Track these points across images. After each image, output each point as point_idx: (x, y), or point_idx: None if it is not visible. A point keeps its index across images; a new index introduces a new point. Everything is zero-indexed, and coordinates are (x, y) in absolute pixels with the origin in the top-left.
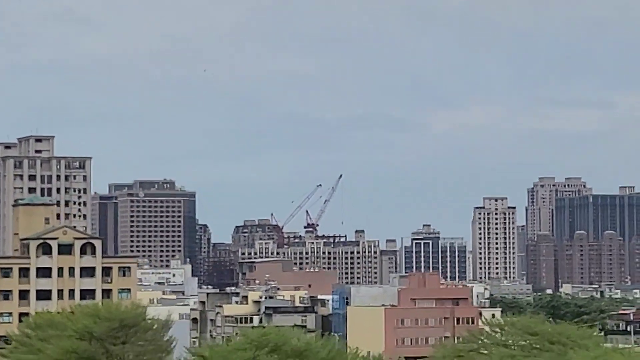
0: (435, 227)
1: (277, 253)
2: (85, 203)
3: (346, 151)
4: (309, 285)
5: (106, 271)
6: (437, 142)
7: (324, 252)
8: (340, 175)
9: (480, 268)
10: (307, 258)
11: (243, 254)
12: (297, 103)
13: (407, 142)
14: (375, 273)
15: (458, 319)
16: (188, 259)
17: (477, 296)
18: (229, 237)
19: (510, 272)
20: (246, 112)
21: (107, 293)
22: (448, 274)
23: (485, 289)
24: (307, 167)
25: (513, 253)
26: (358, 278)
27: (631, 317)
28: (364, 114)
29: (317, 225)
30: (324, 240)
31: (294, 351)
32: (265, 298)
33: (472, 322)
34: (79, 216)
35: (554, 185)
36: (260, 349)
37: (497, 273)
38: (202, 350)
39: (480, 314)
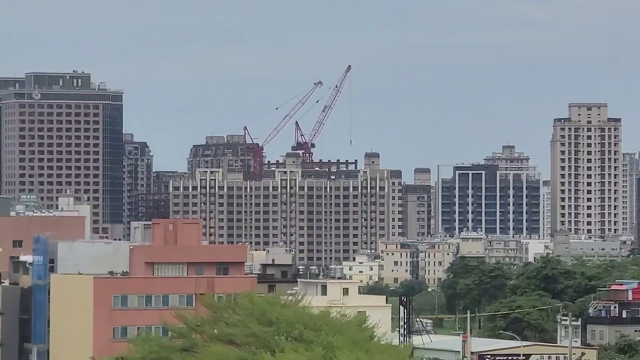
0: (496, 151)
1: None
2: None
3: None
4: None
5: None
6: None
7: (305, 187)
8: (349, 67)
9: (563, 215)
10: (274, 197)
11: (194, 187)
12: None
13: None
14: (395, 221)
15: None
16: (107, 195)
17: (534, 258)
18: (182, 163)
19: (612, 221)
20: None
21: None
22: (511, 223)
23: (546, 247)
24: (302, 56)
25: (616, 191)
26: (355, 234)
27: (629, 296)
28: None
29: (313, 145)
30: (316, 168)
31: None
32: None
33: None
34: None
35: None
36: None
37: (589, 223)
38: None
39: (274, 287)
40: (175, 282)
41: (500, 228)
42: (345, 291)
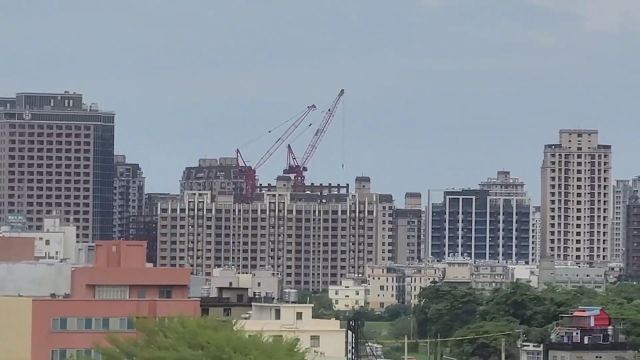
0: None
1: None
2: None
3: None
4: None
5: None
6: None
7: (293, 211)
8: (342, 92)
9: (552, 241)
10: (262, 220)
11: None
12: None
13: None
14: (385, 245)
15: None
16: (97, 216)
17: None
18: (175, 185)
19: (601, 247)
20: None
21: None
22: (500, 248)
23: (532, 272)
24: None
25: (605, 218)
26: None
27: (591, 322)
28: None
29: (305, 168)
30: (307, 192)
31: None
32: None
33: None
34: None
35: None
36: None
37: (578, 249)
38: None
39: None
40: (116, 305)
41: (490, 253)
42: (299, 315)
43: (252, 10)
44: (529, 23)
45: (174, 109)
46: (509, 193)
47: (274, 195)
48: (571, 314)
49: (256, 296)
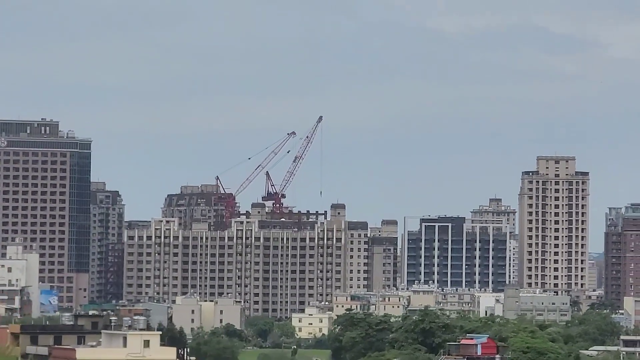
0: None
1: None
2: None
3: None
4: None
5: None
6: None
7: (261, 238)
8: (320, 118)
9: (530, 268)
10: (230, 247)
11: (149, 237)
12: None
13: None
14: (360, 273)
15: None
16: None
17: (486, 311)
18: (157, 213)
19: (579, 275)
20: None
21: None
22: (477, 276)
23: (497, 300)
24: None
25: (583, 245)
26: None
27: (478, 351)
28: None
29: (283, 195)
30: (282, 219)
31: None
32: None
33: None
34: None
35: None
36: None
37: (555, 277)
38: None
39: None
40: None
41: (466, 281)
42: (146, 343)
43: (232, 38)
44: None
45: (153, 136)
46: (500, 220)
47: (241, 223)
48: (459, 341)
49: (112, 323)
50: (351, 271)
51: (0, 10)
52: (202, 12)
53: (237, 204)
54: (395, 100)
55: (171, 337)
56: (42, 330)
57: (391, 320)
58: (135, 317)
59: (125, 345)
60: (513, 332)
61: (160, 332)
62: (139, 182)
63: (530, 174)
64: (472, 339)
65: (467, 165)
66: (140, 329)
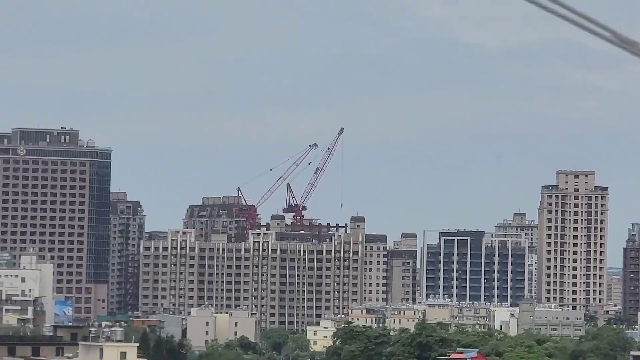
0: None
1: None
2: None
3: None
4: None
5: None
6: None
7: (277, 250)
8: (341, 130)
9: (548, 282)
10: (246, 259)
11: (165, 248)
12: None
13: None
14: (379, 286)
15: None
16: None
17: (501, 326)
18: (179, 224)
19: (597, 290)
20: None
21: None
22: (495, 290)
23: (512, 315)
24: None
25: (602, 260)
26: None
27: None
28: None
29: (304, 207)
30: (301, 231)
31: None
32: None
33: None
34: None
35: None
36: None
37: (574, 292)
38: None
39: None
40: None
41: (485, 295)
42: (123, 354)
43: (256, 50)
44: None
45: (174, 147)
46: (519, 235)
47: (258, 235)
48: (448, 356)
49: (90, 335)
50: (370, 284)
51: (19, 20)
52: (227, 23)
53: (259, 216)
54: (420, 113)
55: (170, 349)
56: (19, 341)
57: (391, 334)
58: (113, 329)
59: (101, 356)
60: (510, 347)
61: (137, 345)
62: (159, 193)
63: (550, 188)
64: (461, 353)
65: (488, 179)
66: (117, 341)
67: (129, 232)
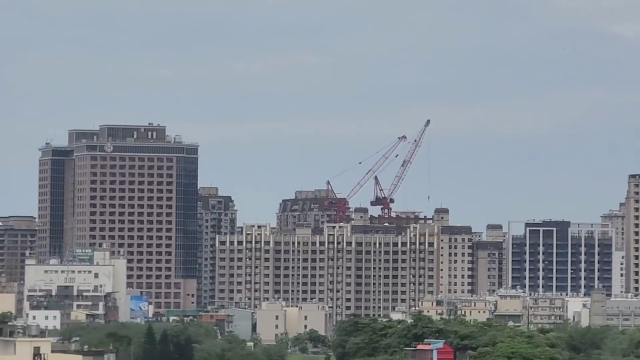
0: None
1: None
2: None
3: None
4: None
5: None
6: None
7: (352, 243)
8: (428, 122)
9: (637, 272)
10: (321, 252)
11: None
12: None
13: None
14: (465, 278)
15: None
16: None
17: (574, 317)
18: (272, 218)
19: None
20: None
21: None
22: (582, 280)
23: (584, 305)
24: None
25: None
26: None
27: (434, 356)
28: None
29: (391, 200)
30: (385, 224)
31: None
32: None
33: None
34: None
35: None
36: None
37: None
38: None
39: None
40: None
41: (571, 286)
42: (37, 350)
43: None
44: None
45: (261, 141)
46: (606, 224)
47: (332, 227)
48: (415, 346)
49: (18, 330)
50: (455, 276)
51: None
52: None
53: (350, 209)
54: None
55: (176, 344)
56: None
57: (397, 325)
58: (29, 324)
59: (15, 352)
60: (509, 337)
61: (51, 340)
62: (252, 188)
63: (637, 177)
64: (428, 344)
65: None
66: (32, 335)
67: (221, 227)
